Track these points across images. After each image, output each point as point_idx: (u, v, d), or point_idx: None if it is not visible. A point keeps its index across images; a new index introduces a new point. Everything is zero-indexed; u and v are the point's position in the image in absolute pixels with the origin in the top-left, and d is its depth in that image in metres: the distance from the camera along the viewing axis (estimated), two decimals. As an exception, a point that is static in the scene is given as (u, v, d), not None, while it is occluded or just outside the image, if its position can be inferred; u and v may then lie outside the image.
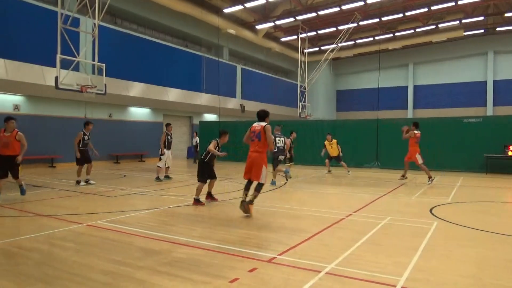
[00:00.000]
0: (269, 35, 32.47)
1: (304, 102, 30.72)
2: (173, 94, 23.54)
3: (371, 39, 32.51)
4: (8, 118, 8.45)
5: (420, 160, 12.02)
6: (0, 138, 8.27)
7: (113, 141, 20.56)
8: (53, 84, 13.37)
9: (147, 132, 22.77)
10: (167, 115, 24.42)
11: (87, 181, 11.36)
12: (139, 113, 22.50)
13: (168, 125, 12.87)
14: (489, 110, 31.89)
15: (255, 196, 6.97)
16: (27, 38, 16.23)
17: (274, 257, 4.58)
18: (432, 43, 33.63)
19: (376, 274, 4.05)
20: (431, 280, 3.90)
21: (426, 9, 24.86)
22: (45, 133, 17.19)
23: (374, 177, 13.94)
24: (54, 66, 13.25)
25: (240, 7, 24.04)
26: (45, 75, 16.23)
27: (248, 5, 23.86)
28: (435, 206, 8.12)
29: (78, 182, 11.07)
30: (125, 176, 14.22)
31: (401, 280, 3.87)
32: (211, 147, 8.16)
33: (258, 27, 29.02)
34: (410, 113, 35.77)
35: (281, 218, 6.96)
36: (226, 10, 24.81)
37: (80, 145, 11.27)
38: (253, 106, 30.66)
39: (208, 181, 8.38)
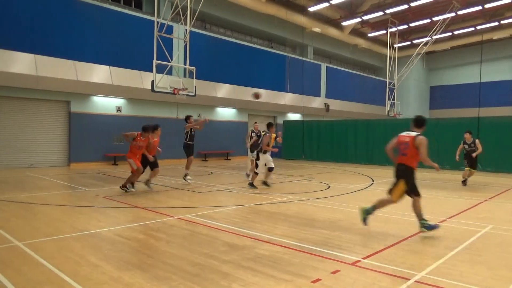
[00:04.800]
0: (355, 31, 31.43)
1: (393, 100, 29.14)
2: (258, 94, 24.09)
3: (472, 29, 29.60)
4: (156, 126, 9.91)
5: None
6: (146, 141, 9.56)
7: (201, 140, 21.60)
8: (150, 87, 14.57)
9: (233, 132, 23.60)
10: (252, 115, 25.04)
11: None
12: (225, 113, 23.41)
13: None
14: None
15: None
16: (128, 46, 17.90)
17: (359, 260, 4.42)
18: (547, 29, 29.48)
19: (474, 287, 3.68)
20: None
21: (540, -8, 21.86)
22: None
23: (473, 180, 12.70)
24: (151, 70, 14.41)
25: (325, 4, 23.65)
26: (143, 79, 17.74)
27: (334, 1, 23.37)
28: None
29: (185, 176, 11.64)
30: (212, 173, 14.91)
31: (505, 296, 3.46)
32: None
33: (344, 23, 28.26)
34: (518, 109, 31.83)
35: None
36: (311, 9, 24.60)
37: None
38: (338, 105, 30.01)
39: None
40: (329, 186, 11.07)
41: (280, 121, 26.33)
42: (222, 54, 22.22)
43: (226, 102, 22.30)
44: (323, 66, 29.98)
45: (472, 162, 11.42)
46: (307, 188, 10.67)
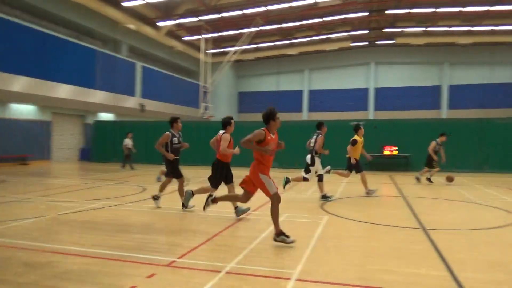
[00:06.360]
0: (171, 33, 31.73)
1: (207, 103, 30.72)
2: (63, 91, 21.45)
3: (271, 44, 33.91)
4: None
5: None
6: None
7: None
8: None
9: (32, 132, 20.52)
10: (56, 113, 22.30)
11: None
12: (23, 111, 20.14)
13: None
14: (371, 114, 35.69)
15: None
16: None
17: (174, 261, 4.52)
18: (325, 51, 36.38)
19: (274, 269, 4.27)
20: (322, 270, 4.24)
21: (320, 20, 26.82)
22: None
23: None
24: None
25: (141, 1, 23.04)
26: None
27: (149, 0, 23.01)
28: (326, 202, 8.82)
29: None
30: (4, 181, 12.60)
31: (295, 273, 4.14)
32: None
33: (160, 24, 28.15)
34: (305, 115, 38.15)
35: (181, 220, 6.88)
36: (126, 4, 23.49)
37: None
38: (153, 106, 29.66)
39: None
40: (144, 189, 10.87)
41: (90, 121, 24.33)
42: (18, 42, 18.85)
43: (23, 98, 19.16)
44: (138, 64, 29.07)
45: None
46: (120, 192, 10.22)
